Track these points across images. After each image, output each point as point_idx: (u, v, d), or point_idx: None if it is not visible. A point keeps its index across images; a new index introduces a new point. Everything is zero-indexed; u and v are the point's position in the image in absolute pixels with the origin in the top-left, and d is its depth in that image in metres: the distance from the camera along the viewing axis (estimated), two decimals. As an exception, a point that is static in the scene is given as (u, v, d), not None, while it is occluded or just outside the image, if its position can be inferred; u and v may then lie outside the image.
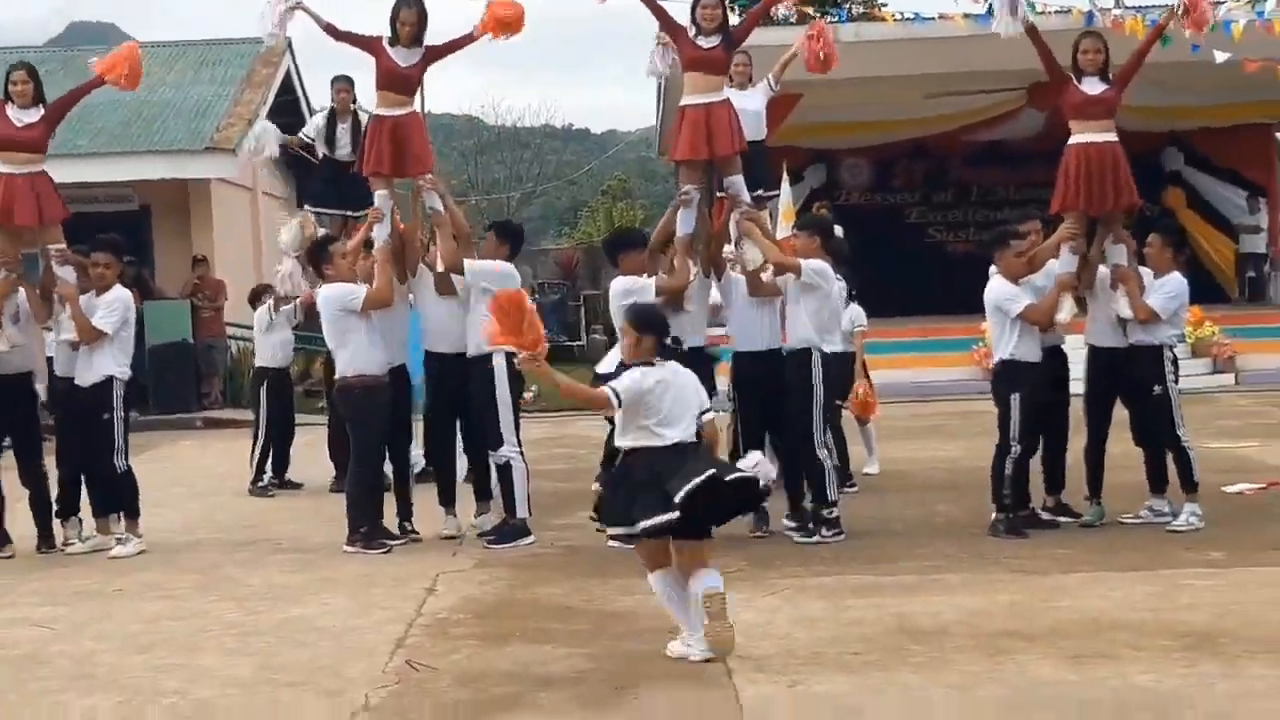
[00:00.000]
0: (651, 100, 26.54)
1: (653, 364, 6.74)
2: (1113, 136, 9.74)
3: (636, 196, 49.10)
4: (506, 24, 10.18)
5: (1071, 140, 9.78)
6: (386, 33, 10.14)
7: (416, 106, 10.40)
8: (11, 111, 10.09)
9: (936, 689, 6.04)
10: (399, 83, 10.17)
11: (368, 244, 10.43)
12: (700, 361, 9.93)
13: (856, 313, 12.33)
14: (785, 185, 12.79)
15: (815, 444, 9.63)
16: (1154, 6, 17.71)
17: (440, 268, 10.15)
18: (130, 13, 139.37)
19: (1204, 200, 26.60)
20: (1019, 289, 9.55)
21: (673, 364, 6.85)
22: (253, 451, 13.26)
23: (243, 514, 12.01)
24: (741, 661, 6.55)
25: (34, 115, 10.12)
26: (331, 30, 10.26)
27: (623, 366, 7.04)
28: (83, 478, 10.35)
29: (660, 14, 10.04)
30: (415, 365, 10.67)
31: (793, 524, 9.89)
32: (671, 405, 6.68)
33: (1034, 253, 9.83)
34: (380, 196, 10.30)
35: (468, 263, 10.06)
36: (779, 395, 9.85)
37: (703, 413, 6.83)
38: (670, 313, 9.76)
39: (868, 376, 12.41)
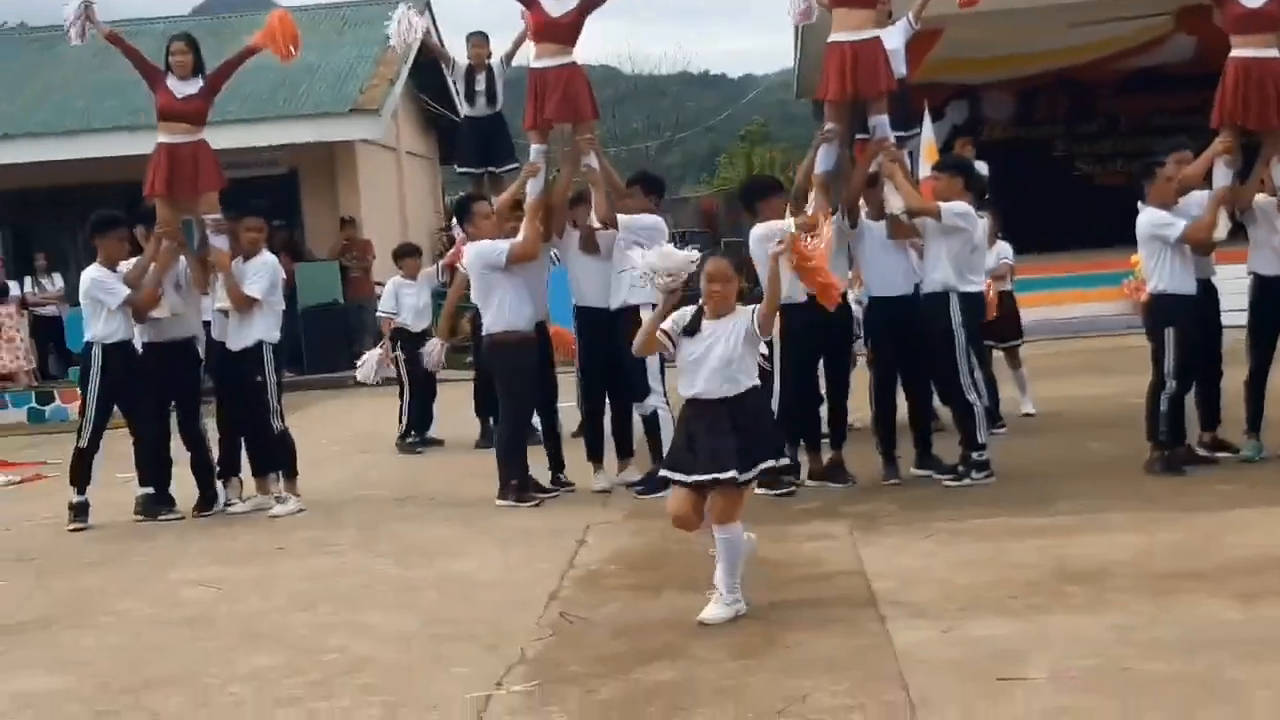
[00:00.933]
0: (788, 42, 26.29)
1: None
2: (1275, 51, 9.41)
3: (775, 140, 48.67)
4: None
5: (1231, 54, 9.48)
6: None
7: (580, 58, 10.25)
8: (172, 82, 10.29)
9: (1100, 630, 5.94)
10: (554, 31, 10.06)
11: (516, 202, 10.47)
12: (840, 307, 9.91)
13: (1003, 248, 12.17)
14: (927, 123, 12.60)
15: (963, 387, 9.50)
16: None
17: (595, 223, 10.13)
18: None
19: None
20: (1172, 214, 9.30)
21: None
22: (400, 410, 13.48)
23: (395, 471, 12.20)
24: (896, 608, 6.51)
25: (194, 86, 10.31)
26: None
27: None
28: (241, 439, 10.62)
29: None
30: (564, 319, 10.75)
31: (923, 471, 9.80)
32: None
33: (1185, 173, 9.56)
34: (536, 150, 10.30)
35: (621, 217, 10.06)
36: (914, 340, 9.73)
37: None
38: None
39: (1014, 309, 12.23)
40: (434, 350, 11.75)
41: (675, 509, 6.74)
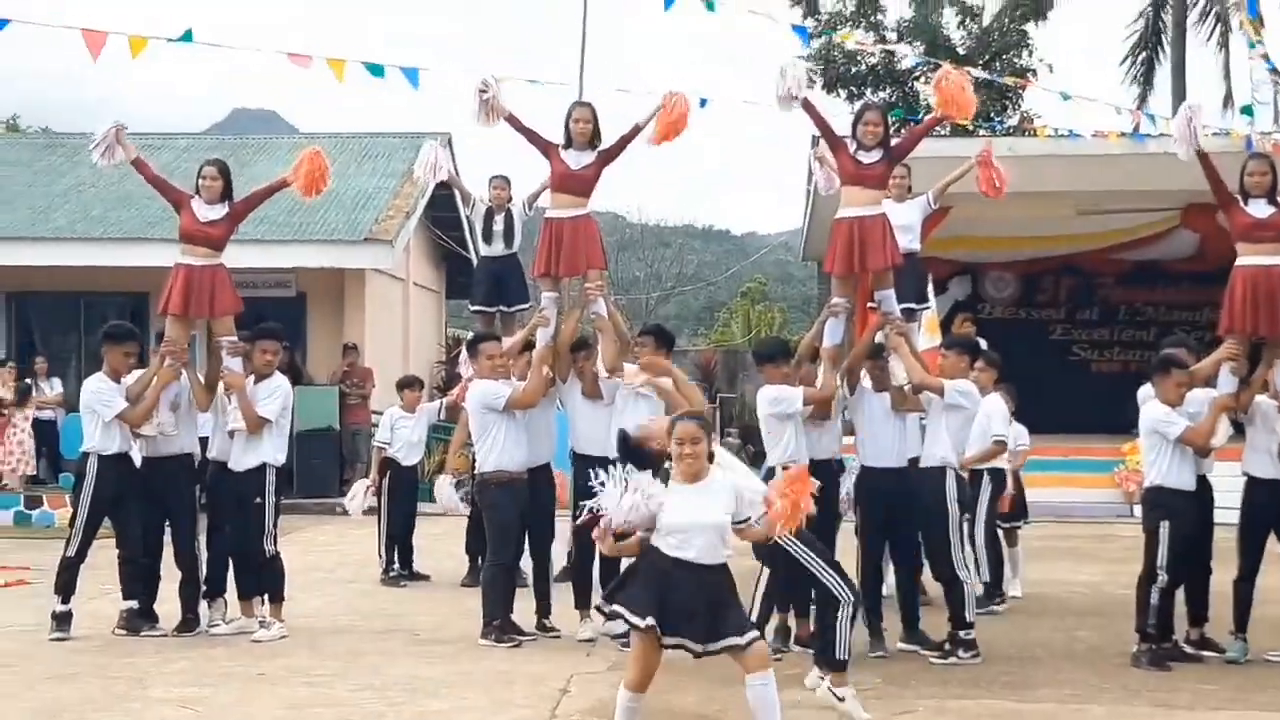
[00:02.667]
0: (793, 203, 26.67)
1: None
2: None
3: (775, 299, 49.17)
4: (676, 129, 10.33)
5: (1239, 262, 9.70)
6: (560, 137, 10.35)
7: (591, 208, 10.45)
8: (198, 205, 10.45)
9: (1078, 825, 5.93)
10: (573, 184, 10.31)
11: (527, 345, 10.60)
12: (829, 474, 10.00)
13: (1019, 431, 12.28)
14: (930, 296, 12.80)
15: (955, 564, 9.57)
16: (1314, 132, 17.53)
17: (602, 370, 10.25)
18: (290, 101, 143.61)
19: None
20: (1176, 412, 9.42)
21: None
22: (379, 542, 13.47)
23: (381, 602, 12.17)
24: (878, 783, 6.49)
25: (219, 212, 10.48)
26: (514, 120, 10.44)
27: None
28: (230, 560, 10.61)
29: (824, 127, 10.11)
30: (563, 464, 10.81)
31: (910, 646, 9.82)
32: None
33: (1191, 373, 9.71)
34: (548, 299, 10.48)
35: (628, 367, 10.17)
36: (907, 513, 9.81)
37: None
38: (816, 424, 9.89)
39: (1020, 489, 12.32)
40: (444, 488, 11.80)
41: (645, 669, 6.73)
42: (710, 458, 6.88)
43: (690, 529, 6.66)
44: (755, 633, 6.70)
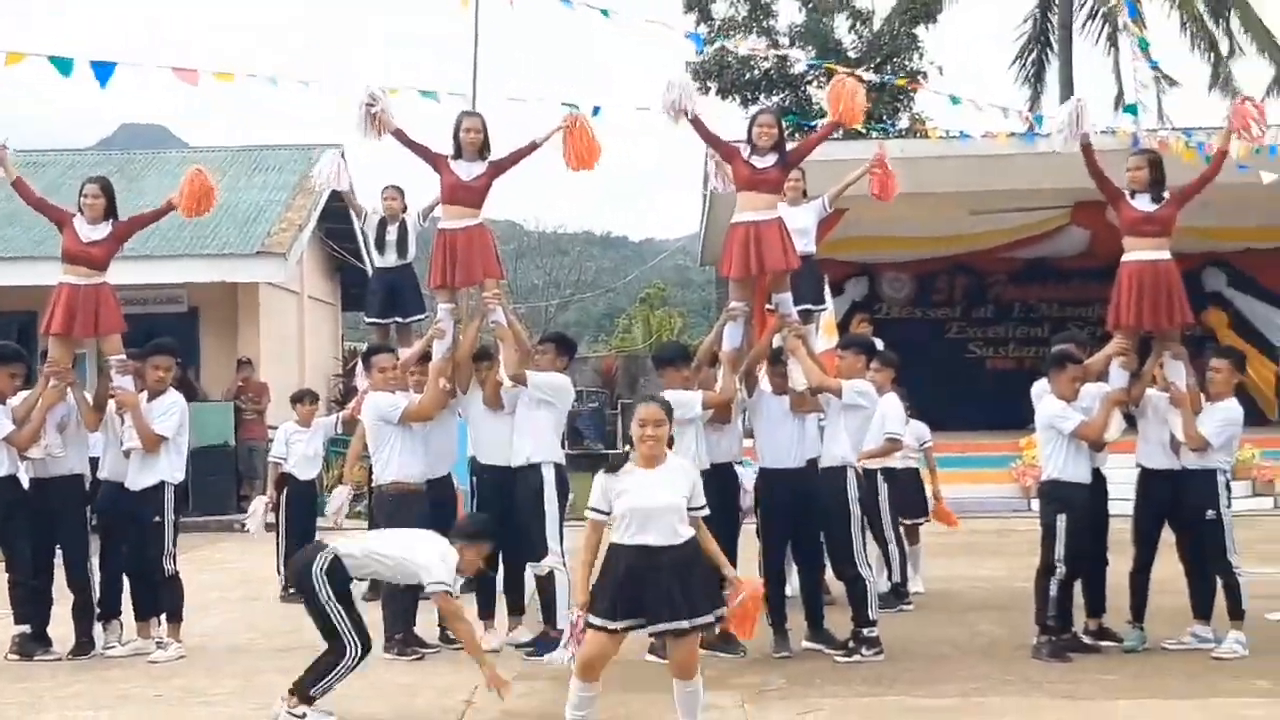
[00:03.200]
0: (691, 209, 26.75)
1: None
2: (1166, 254, 9.75)
3: (674, 304, 49.31)
4: (592, 155, 10.31)
5: (1125, 257, 9.82)
6: (449, 148, 10.27)
7: (483, 218, 10.39)
8: (80, 224, 10.27)
9: (984, 817, 5.97)
10: (464, 195, 10.23)
11: (424, 356, 10.51)
12: (730, 477, 10.02)
13: (920, 429, 12.41)
14: (827, 298, 12.86)
15: (857, 562, 9.64)
16: (1198, 128, 17.88)
17: (504, 379, 10.17)
18: (180, 116, 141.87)
19: (1246, 321, 26.52)
20: (1071, 407, 9.53)
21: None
22: (278, 558, 13.31)
23: (280, 619, 11.97)
24: (785, 784, 6.50)
25: (102, 231, 10.30)
26: (401, 135, 10.35)
27: None
28: (124, 581, 10.41)
29: (712, 141, 10.14)
30: (463, 475, 10.74)
31: (814, 645, 9.86)
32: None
33: (1084, 367, 9.82)
34: (444, 310, 10.38)
35: (530, 375, 10.11)
36: (805, 512, 9.84)
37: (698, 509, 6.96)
38: (717, 427, 9.91)
39: (920, 481, 12.45)
40: (338, 499, 11.65)
41: (596, 651, 6.77)
42: (670, 443, 6.96)
43: (648, 511, 6.73)
44: (704, 619, 6.76)
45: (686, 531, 6.81)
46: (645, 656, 9.24)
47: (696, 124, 10.00)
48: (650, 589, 6.70)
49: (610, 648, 6.81)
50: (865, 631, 9.58)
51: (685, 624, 6.70)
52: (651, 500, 6.75)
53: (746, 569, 10.46)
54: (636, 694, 6.91)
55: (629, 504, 6.77)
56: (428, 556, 7.83)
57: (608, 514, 6.89)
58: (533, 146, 10.33)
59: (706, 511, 7.02)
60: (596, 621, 6.79)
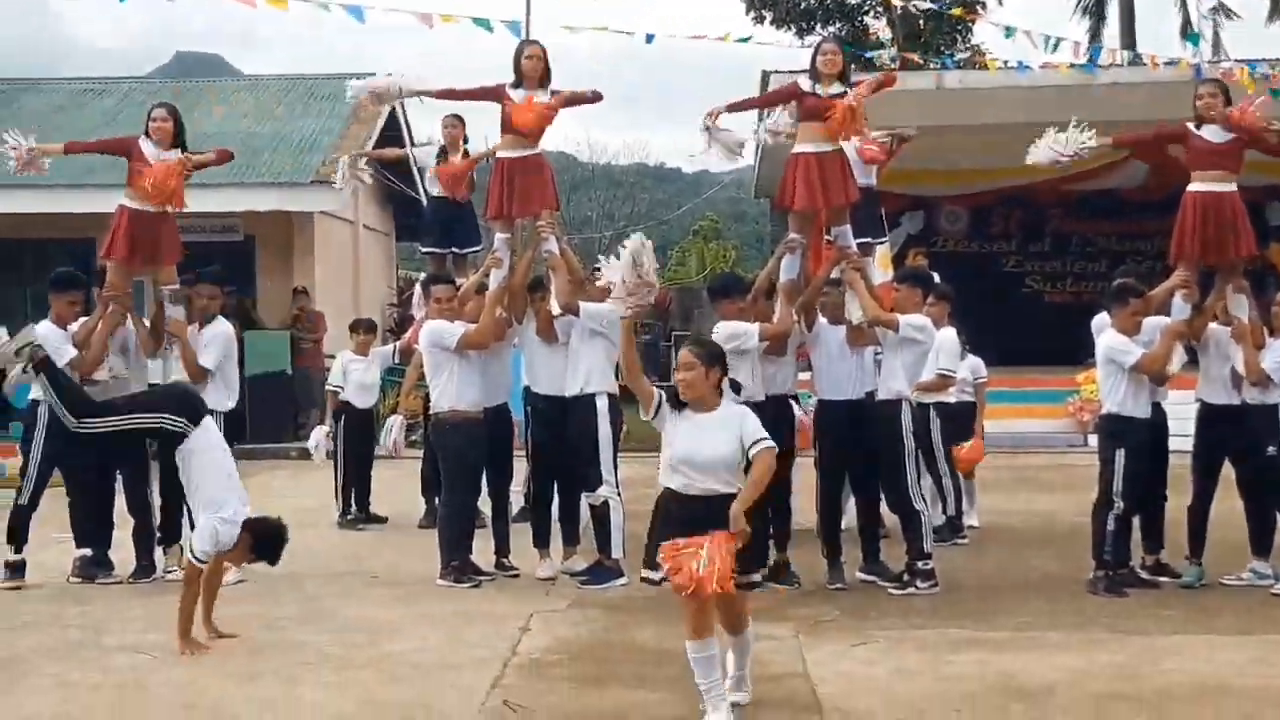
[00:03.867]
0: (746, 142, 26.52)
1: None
2: (1231, 187, 9.61)
3: (728, 237, 49.08)
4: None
5: (1190, 188, 9.67)
6: (510, 77, 10.21)
7: (541, 148, 10.32)
8: (148, 149, 10.26)
9: (1040, 750, 5.96)
10: (523, 124, 10.16)
11: (481, 287, 10.51)
12: (785, 409, 10.00)
13: (976, 364, 12.32)
14: (884, 230, 12.75)
15: (911, 495, 9.61)
16: (1261, 60, 17.60)
17: (555, 309, 10.17)
18: (234, 44, 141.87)
19: (1308, 257, 26.18)
20: (1132, 341, 9.44)
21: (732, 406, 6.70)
22: (335, 486, 13.40)
23: (337, 546, 12.11)
24: (841, 714, 6.52)
25: (171, 156, 10.28)
26: (450, 94, 10.29)
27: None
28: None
29: (771, 99, 10.02)
30: (518, 404, 10.76)
31: (869, 577, 9.85)
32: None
33: (1145, 299, 9.71)
34: (500, 240, 10.35)
35: (583, 305, 10.10)
36: (864, 445, 9.81)
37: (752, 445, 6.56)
38: (772, 359, 9.88)
39: (979, 430, 12.33)
40: (394, 429, 11.70)
41: (697, 615, 6.36)
42: (719, 388, 6.67)
43: (694, 462, 6.47)
44: (754, 575, 6.60)
45: (738, 483, 6.50)
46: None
47: (738, 107, 10.01)
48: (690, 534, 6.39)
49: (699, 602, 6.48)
50: (920, 564, 9.57)
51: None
52: (697, 451, 6.50)
53: (802, 499, 10.57)
54: (639, 689, 6.93)
55: (677, 452, 6.55)
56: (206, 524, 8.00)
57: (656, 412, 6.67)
58: (597, 97, 10.26)
59: (768, 444, 6.55)
60: (647, 574, 6.60)
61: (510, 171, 10.17)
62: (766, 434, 6.55)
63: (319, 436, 13.20)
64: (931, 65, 22.02)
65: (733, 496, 6.38)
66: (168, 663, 7.75)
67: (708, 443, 6.48)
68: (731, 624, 6.60)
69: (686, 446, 6.50)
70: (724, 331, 9.69)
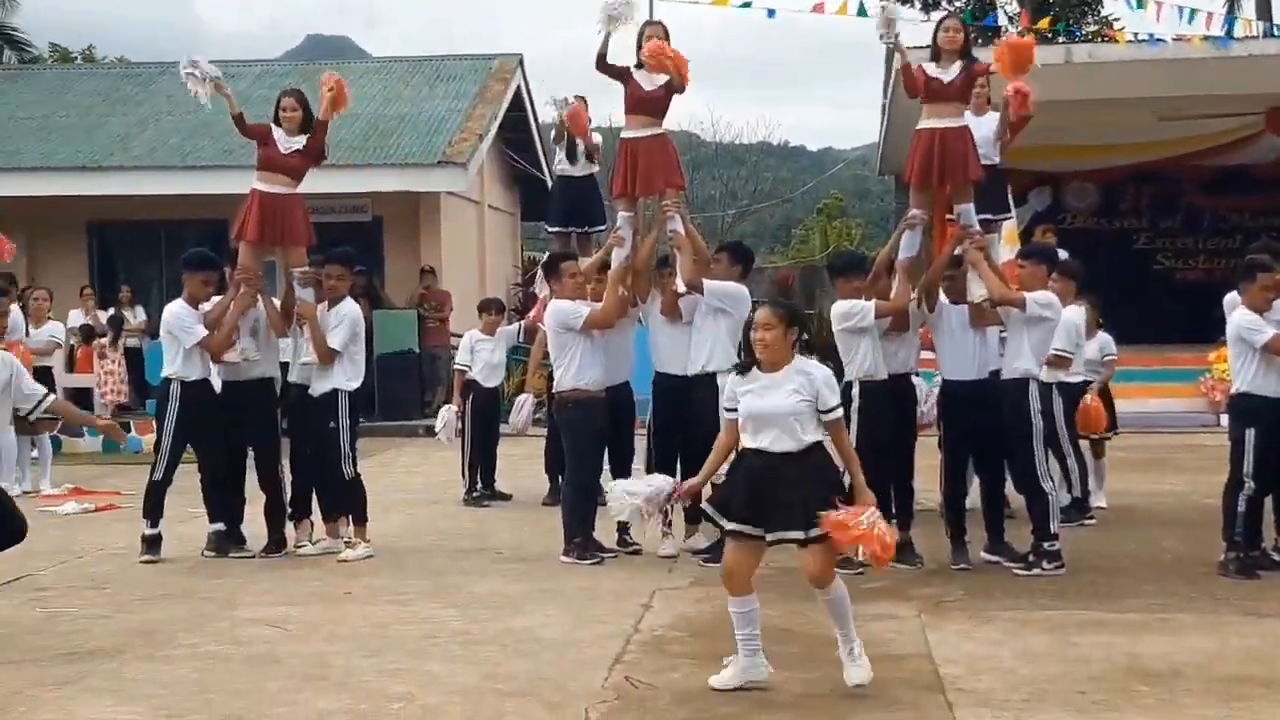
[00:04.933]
0: (870, 118, 26.41)
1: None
2: None
3: (852, 215, 48.75)
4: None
5: None
6: (633, 60, 10.24)
7: (665, 128, 10.34)
8: (279, 135, 10.53)
9: (1167, 733, 5.90)
10: (646, 105, 10.21)
11: (603, 265, 10.57)
12: (907, 387, 9.95)
13: (1105, 340, 12.17)
14: (1010, 207, 12.61)
15: (1039, 475, 9.50)
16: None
17: (680, 287, 10.20)
18: (363, 27, 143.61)
19: None
20: (1264, 319, 9.24)
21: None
22: (462, 463, 13.57)
23: (463, 522, 12.27)
24: (963, 695, 6.48)
25: (299, 142, 10.53)
26: (600, 64, 10.32)
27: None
28: (314, 482, 10.72)
29: (903, 64, 9.93)
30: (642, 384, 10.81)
31: (993, 557, 9.77)
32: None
33: (1275, 276, 9.49)
34: (624, 219, 10.41)
35: (706, 283, 10.13)
36: (990, 425, 9.71)
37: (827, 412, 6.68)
38: (894, 337, 9.83)
39: (1109, 401, 12.18)
40: (523, 408, 11.81)
41: (731, 560, 6.70)
42: (795, 346, 6.73)
43: (765, 414, 6.61)
44: (817, 531, 6.50)
45: (810, 436, 6.60)
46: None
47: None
48: (768, 495, 6.56)
49: (745, 557, 6.65)
50: (1046, 545, 9.46)
51: (800, 534, 6.50)
52: (767, 403, 6.59)
53: (925, 479, 10.51)
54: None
55: (747, 407, 6.66)
56: None
57: (735, 410, 6.78)
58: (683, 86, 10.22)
59: (838, 414, 6.71)
60: (709, 510, 6.78)
61: (634, 151, 10.22)
62: (838, 401, 6.75)
63: (448, 416, 13.36)
64: (1060, 39, 21.65)
65: (804, 451, 6.58)
66: (299, 635, 7.92)
67: (776, 396, 6.62)
68: (814, 576, 6.59)
69: (755, 402, 6.65)
70: (840, 309, 9.68)
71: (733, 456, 6.91)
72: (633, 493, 6.98)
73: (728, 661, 6.74)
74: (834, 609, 6.63)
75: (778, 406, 6.61)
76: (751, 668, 6.68)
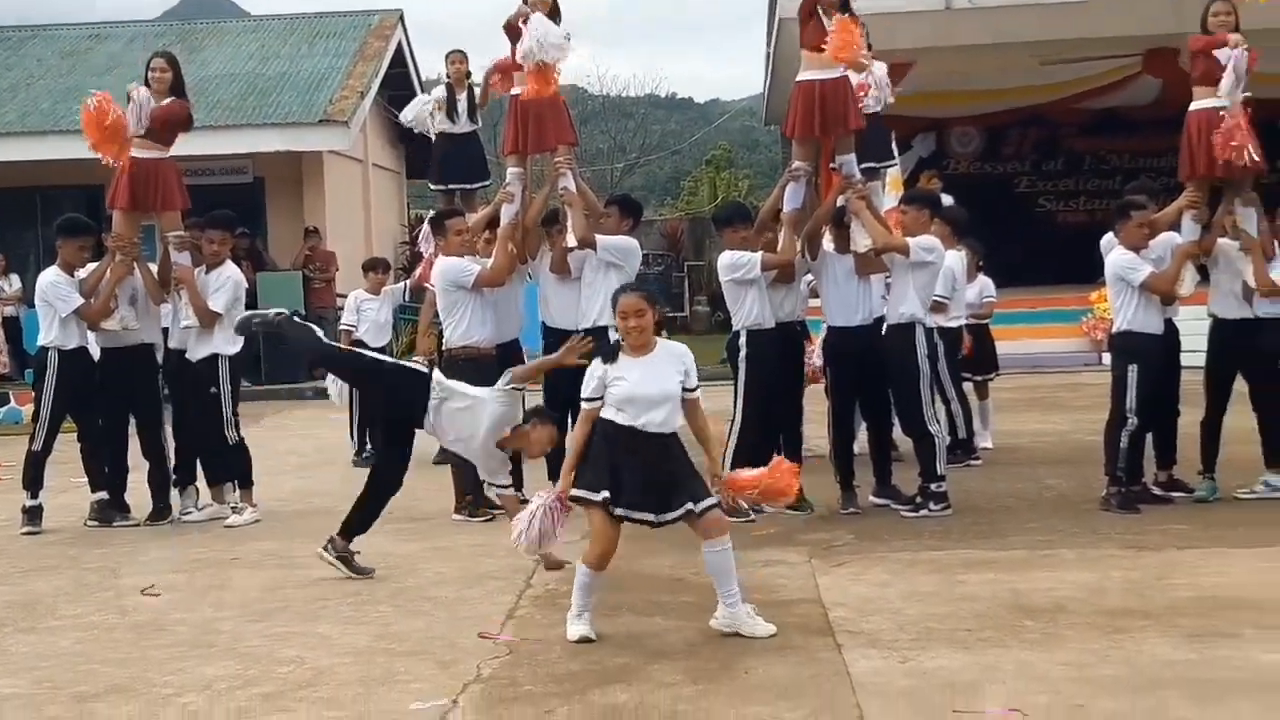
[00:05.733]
0: (755, 69, 26.44)
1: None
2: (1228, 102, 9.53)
3: (740, 166, 48.84)
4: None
5: (1192, 107, 9.61)
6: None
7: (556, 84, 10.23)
8: (145, 97, 10.22)
9: (1053, 666, 5.98)
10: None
11: (491, 222, 10.48)
12: (794, 336, 10.00)
13: (985, 283, 12.32)
14: (894, 154, 12.67)
15: (924, 418, 9.59)
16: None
17: (571, 243, 10.14)
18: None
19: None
20: (1141, 258, 9.39)
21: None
22: (350, 425, 13.43)
23: (354, 484, 11.97)
24: (852, 637, 6.54)
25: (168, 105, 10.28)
26: (507, 28, 10.16)
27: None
28: (198, 448, 10.57)
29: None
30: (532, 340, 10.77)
31: (881, 500, 9.87)
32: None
33: (1153, 219, 9.66)
34: (513, 175, 10.32)
35: (598, 238, 10.08)
36: (873, 369, 9.79)
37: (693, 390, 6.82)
38: (780, 287, 9.86)
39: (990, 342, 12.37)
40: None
41: (604, 546, 6.69)
42: (658, 329, 6.90)
43: (642, 400, 6.66)
44: (710, 499, 6.67)
45: (676, 421, 6.73)
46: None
47: None
48: (663, 478, 6.66)
49: (609, 531, 6.70)
50: (933, 487, 9.57)
51: (653, 518, 6.67)
52: (654, 386, 6.67)
53: (813, 426, 10.58)
54: (653, 617, 7.01)
55: (625, 392, 6.67)
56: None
57: (600, 400, 6.78)
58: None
59: (699, 394, 6.85)
60: (578, 493, 6.76)
61: (526, 108, 10.13)
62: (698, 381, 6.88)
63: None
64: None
65: (673, 436, 6.71)
66: (184, 604, 7.81)
67: (655, 382, 6.70)
68: (703, 535, 6.68)
69: (633, 388, 6.68)
70: (726, 260, 9.68)
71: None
72: (521, 532, 7.00)
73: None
74: (722, 563, 6.68)
75: (666, 388, 6.70)
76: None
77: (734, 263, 9.59)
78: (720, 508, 6.75)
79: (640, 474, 6.65)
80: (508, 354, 10.47)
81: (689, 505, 6.63)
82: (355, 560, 8.27)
